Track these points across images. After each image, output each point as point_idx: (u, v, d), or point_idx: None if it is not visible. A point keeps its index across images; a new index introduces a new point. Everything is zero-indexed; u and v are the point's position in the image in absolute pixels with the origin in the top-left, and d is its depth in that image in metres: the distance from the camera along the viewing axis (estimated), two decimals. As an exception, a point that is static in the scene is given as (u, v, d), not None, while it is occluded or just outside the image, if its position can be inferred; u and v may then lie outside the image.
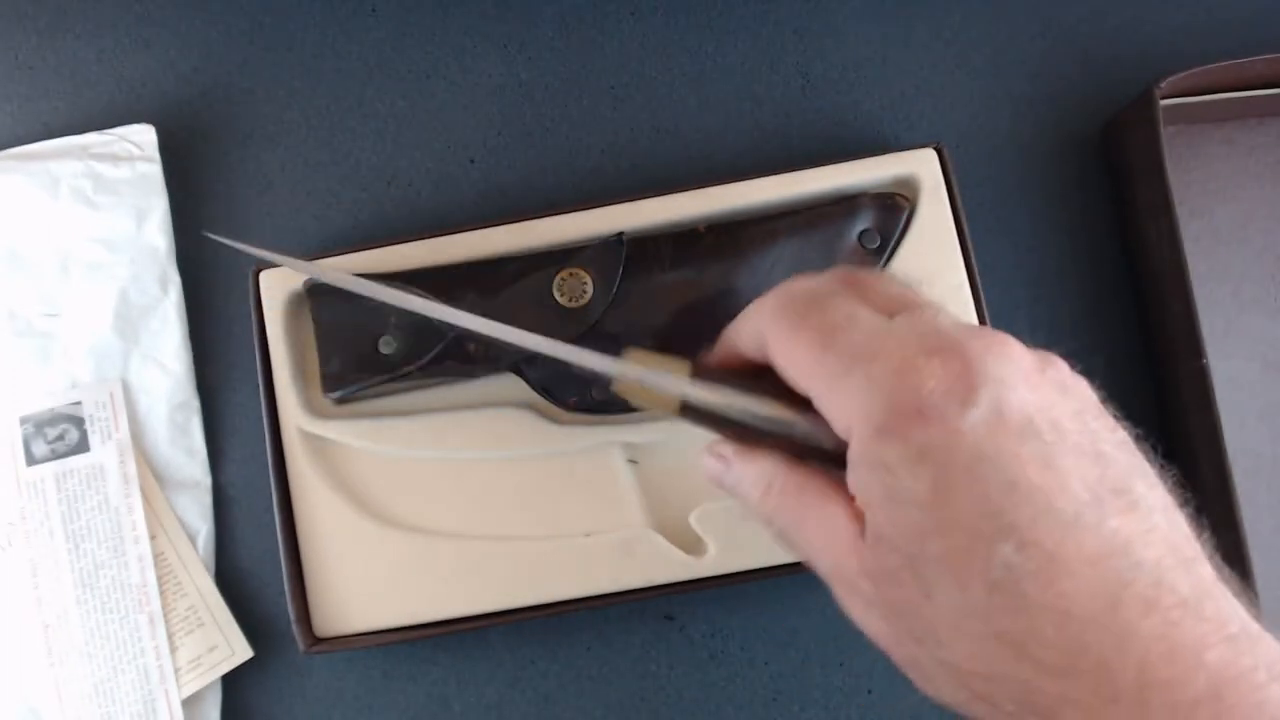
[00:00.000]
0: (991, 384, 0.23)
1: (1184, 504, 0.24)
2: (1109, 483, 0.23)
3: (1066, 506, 0.22)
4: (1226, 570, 0.24)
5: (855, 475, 0.25)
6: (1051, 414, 0.24)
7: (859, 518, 0.25)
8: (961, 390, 0.23)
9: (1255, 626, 0.23)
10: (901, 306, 0.26)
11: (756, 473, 0.28)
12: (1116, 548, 0.22)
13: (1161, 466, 0.25)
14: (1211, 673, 0.21)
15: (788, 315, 0.27)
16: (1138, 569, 0.22)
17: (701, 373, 0.29)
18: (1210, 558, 0.24)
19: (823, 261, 0.40)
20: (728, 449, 0.29)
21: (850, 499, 0.26)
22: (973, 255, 0.40)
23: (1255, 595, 0.36)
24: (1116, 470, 0.23)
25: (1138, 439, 0.25)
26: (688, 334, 0.39)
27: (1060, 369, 0.25)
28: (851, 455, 0.25)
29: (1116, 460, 0.24)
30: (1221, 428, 0.37)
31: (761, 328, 0.27)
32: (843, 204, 0.40)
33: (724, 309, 0.39)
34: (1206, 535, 0.25)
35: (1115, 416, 0.25)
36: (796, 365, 0.26)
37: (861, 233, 0.40)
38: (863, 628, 0.26)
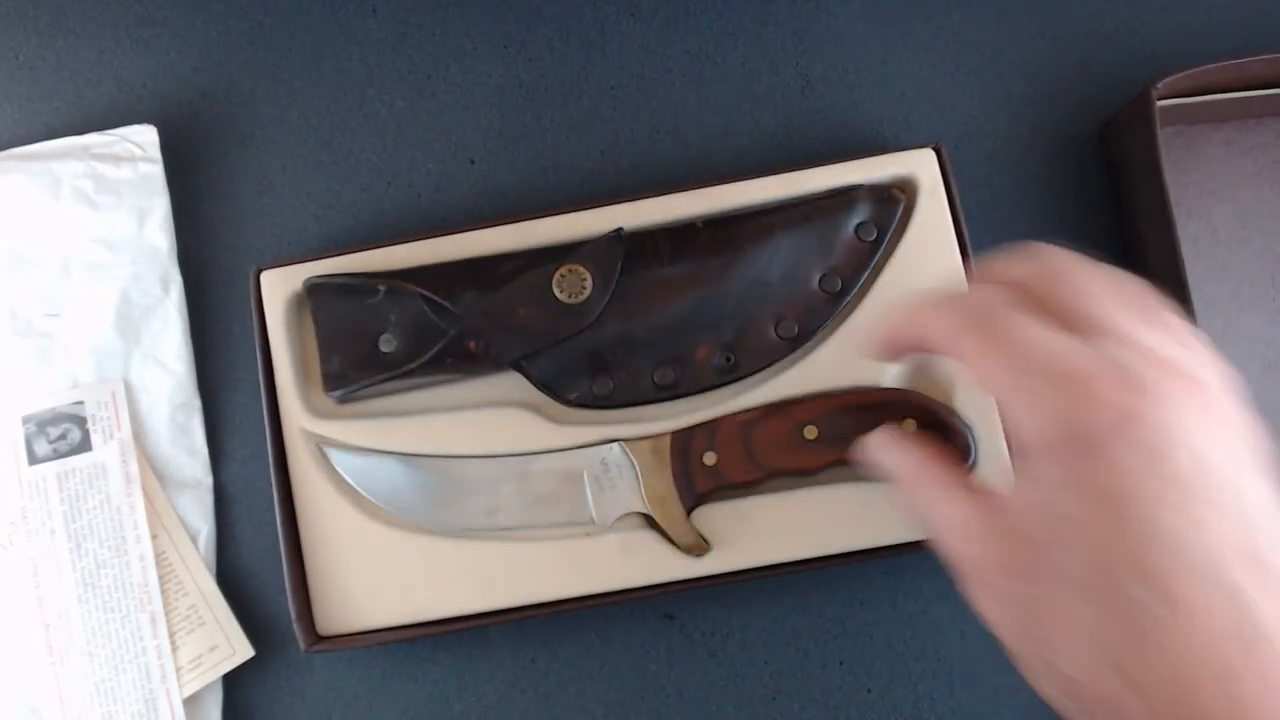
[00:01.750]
0: (1153, 428, 0.25)
1: None
2: (1247, 544, 0.24)
3: (1198, 560, 0.24)
4: None
5: (1019, 476, 0.28)
6: (1205, 461, 0.25)
7: (983, 507, 0.28)
8: (1126, 429, 0.25)
9: None
10: (1089, 328, 0.27)
11: (893, 463, 0.33)
12: (1239, 605, 0.23)
13: None
14: None
15: (978, 330, 0.28)
16: (1255, 629, 0.23)
17: (681, 438, 0.38)
18: None
19: (819, 254, 0.40)
20: (871, 444, 0.34)
21: (968, 484, 0.29)
22: (971, 255, 0.40)
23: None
24: (1256, 533, 0.24)
25: None
26: (686, 328, 0.40)
27: (1231, 421, 0.26)
28: (1018, 457, 0.27)
29: (1260, 526, 0.25)
30: (1220, 427, 0.37)
31: (935, 334, 0.30)
32: (839, 197, 0.41)
33: (722, 302, 0.39)
34: None
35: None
36: (989, 376, 0.28)
37: (858, 225, 0.40)
38: (982, 614, 0.28)
